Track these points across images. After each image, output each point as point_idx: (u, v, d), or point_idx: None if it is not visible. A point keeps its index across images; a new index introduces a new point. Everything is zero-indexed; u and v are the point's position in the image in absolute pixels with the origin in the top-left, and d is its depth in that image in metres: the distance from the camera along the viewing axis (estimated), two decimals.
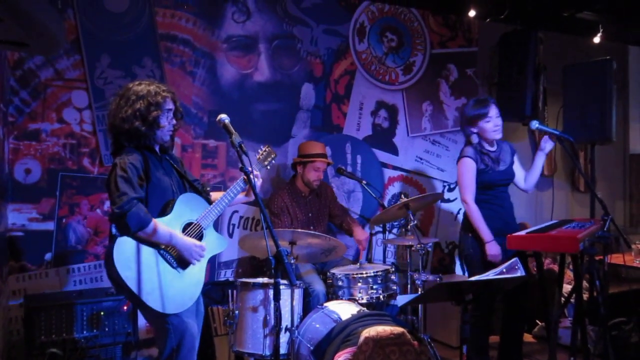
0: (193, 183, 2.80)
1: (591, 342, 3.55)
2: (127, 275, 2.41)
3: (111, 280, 2.52)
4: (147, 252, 2.49)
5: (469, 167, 3.44)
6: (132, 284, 2.41)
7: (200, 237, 2.65)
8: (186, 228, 2.61)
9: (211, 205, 2.71)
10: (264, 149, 3.07)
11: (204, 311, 2.88)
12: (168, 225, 2.52)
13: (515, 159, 3.65)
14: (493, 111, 3.43)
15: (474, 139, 3.49)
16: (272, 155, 3.07)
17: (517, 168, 3.64)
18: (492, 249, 3.38)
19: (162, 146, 2.71)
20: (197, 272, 2.63)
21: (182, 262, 2.57)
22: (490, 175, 3.47)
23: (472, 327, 3.52)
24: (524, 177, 3.66)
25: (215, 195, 2.88)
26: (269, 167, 3.09)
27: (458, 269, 5.27)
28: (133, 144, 2.56)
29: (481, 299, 3.39)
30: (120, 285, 2.44)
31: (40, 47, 2.17)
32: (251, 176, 2.53)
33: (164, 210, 2.57)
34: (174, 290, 2.53)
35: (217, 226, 4.19)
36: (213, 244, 2.71)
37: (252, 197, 2.88)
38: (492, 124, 3.43)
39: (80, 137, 3.81)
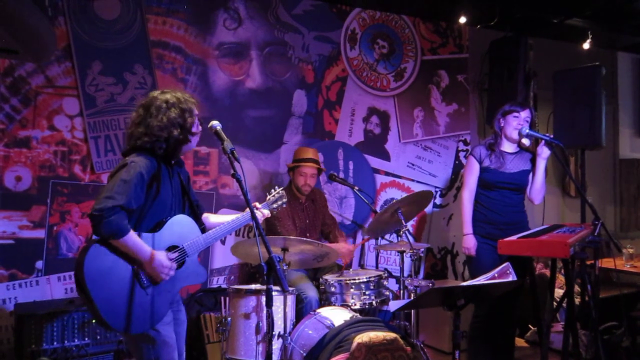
0: (194, 203, 2.70)
1: (583, 347, 3.57)
2: (93, 284, 2.28)
3: (75, 283, 2.36)
4: (122, 267, 2.37)
5: (470, 165, 3.66)
6: (97, 297, 2.28)
7: (180, 264, 2.53)
8: (169, 250, 2.50)
9: (203, 235, 2.60)
10: (277, 190, 2.99)
11: (186, 319, 2.77)
12: (151, 243, 2.42)
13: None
14: (525, 113, 3.55)
15: (491, 138, 3.67)
16: (284, 200, 3.00)
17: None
18: (467, 241, 3.57)
19: (179, 158, 2.63)
20: (166, 296, 2.50)
21: (152, 279, 2.44)
22: (492, 174, 3.55)
23: (472, 331, 3.54)
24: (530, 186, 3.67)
25: (214, 220, 2.79)
26: (275, 212, 3.01)
27: (451, 275, 5.29)
28: (163, 151, 2.47)
29: (480, 302, 3.41)
30: (83, 292, 2.30)
31: (30, 53, 2.16)
32: (243, 182, 2.51)
33: (155, 227, 2.48)
34: (142, 310, 2.40)
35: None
36: (191, 273, 2.58)
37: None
38: (517, 122, 3.52)
39: (72, 144, 3.80)
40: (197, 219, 2.68)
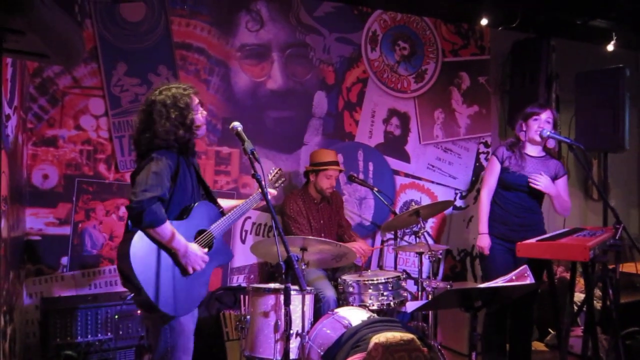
0: (210, 192, 2.86)
1: (604, 351, 3.53)
2: (141, 272, 2.39)
3: (120, 274, 2.49)
4: (164, 255, 2.49)
5: (492, 165, 3.68)
6: (145, 284, 2.40)
7: (210, 246, 2.68)
8: (198, 235, 2.64)
9: (225, 216, 2.76)
10: (275, 170, 3.28)
11: (197, 315, 2.81)
12: (182, 230, 2.54)
13: (561, 180, 3.60)
14: (545, 115, 3.50)
15: (517, 136, 3.64)
16: (283, 179, 3.33)
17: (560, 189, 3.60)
18: (482, 240, 3.62)
19: (192, 149, 2.74)
20: (202, 278, 2.65)
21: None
22: (511, 176, 3.56)
23: (485, 326, 3.55)
24: None
25: (225, 204, 2.92)
26: (277, 189, 3.32)
27: (470, 277, 5.27)
28: (177, 149, 2.59)
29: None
30: (130, 282, 2.42)
31: (60, 58, 2.23)
32: (262, 182, 2.57)
33: (182, 215, 2.61)
34: (184, 293, 2.55)
35: (229, 232, 4.24)
36: (220, 254, 2.74)
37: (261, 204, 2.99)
38: (538, 124, 3.49)
39: (97, 144, 3.88)
40: (215, 203, 2.85)
